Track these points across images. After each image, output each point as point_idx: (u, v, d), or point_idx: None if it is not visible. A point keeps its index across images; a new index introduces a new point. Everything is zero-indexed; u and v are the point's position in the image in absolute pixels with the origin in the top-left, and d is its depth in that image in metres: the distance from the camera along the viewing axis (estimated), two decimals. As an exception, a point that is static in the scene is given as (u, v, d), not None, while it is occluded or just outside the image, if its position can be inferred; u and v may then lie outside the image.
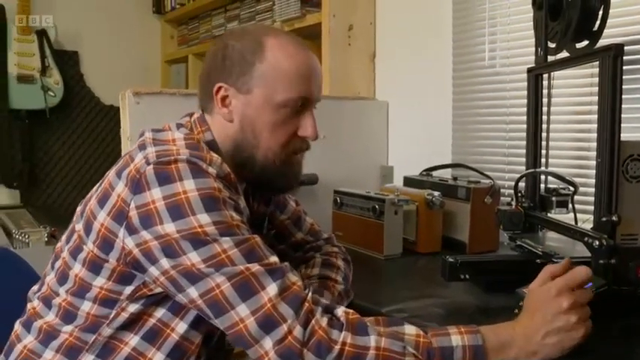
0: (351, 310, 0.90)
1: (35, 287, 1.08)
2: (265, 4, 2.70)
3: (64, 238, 1.04)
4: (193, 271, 0.86)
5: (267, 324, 0.84)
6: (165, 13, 3.69)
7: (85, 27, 3.43)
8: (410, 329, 0.88)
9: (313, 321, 0.85)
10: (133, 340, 0.96)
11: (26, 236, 2.27)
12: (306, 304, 0.86)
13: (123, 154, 1.60)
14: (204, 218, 0.87)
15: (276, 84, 1.02)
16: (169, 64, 3.77)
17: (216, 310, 0.86)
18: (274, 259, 0.90)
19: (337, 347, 0.83)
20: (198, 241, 0.87)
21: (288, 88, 1.02)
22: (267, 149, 1.04)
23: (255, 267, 0.87)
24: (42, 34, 3.14)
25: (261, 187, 1.15)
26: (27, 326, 1.02)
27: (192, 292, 0.87)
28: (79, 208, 1.02)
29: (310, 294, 0.88)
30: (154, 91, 1.64)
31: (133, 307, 0.95)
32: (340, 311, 0.89)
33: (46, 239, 2.30)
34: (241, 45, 1.04)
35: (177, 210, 0.87)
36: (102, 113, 3.48)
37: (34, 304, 1.04)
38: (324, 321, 0.85)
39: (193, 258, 0.86)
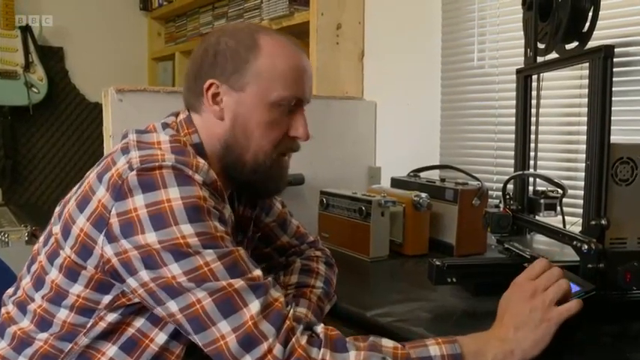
0: (331, 327, 0.88)
1: (10, 290, 1.04)
2: (253, 2, 2.68)
3: (41, 239, 1.01)
4: (173, 284, 0.84)
5: (248, 342, 0.82)
6: (152, 10, 3.66)
7: (71, 23, 3.39)
8: (387, 342, 0.87)
9: (293, 339, 0.83)
10: (111, 350, 0.93)
11: (6, 235, 2.22)
12: (287, 322, 0.84)
13: (105, 153, 1.59)
14: (187, 229, 0.84)
15: (271, 82, 1.00)
16: (156, 62, 3.73)
17: (195, 325, 0.84)
18: (257, 272, 0.88)
19: None
20: (179, 252, 0.84)
21: (284, 87, 1.01)
22: (258, 149, 1.02)
23: (238, 283, 0.84)
24: (26, 29, 3.10)
25: (248, 191, 1.13)
26: (0, 332, 0.99)
27: (172, 305, 0.84)
28: (57, 209, 0.99)
29: (292, 311, 0.87)
30: (137, 88, 1.61)
31: (111, 317, 0.92)
32: (320, 328, 0.87)
33: (27, 238, 2.26)
34: (235, 41, 1.02)
35: (159, 219, 0.84)
36: (87, 111, 3.44)
37: (9, 308, 1.00)
38: (303, 339, 0.84)
39: (174, 270, 0.84)
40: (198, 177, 0.89)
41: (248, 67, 1.00)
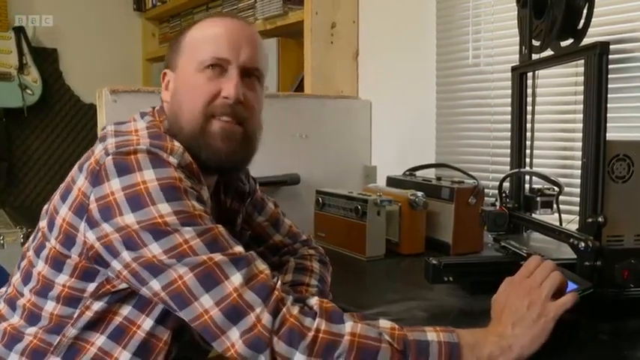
0: (326, 300, 0.88)
1: (3, 289, 1.06)
2: (247, 2, 2.67)
3: (31, 237, 1.03)
4: (154, 262, 0.84)
5: (234, 314, 0.81)
6: (146, 11, 3.65)
7: (65, 24, 3.37)
8: (384, 322, 0.86)
9: (284, 309, 0.82)
10: (99, 339, 0.93)
11: (1, 237, 2.22)
12: (275, 293, 0.83)
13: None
14: (164, 208, 0.85)
15: (191, 52, 1.04)
16: (151, 63, 3.72)
17: (179, 301, 0.84)
18: (239, 248, 0.88)
19: (310, 334, 0.81)
20: (158, 231, 0.85)
21: (202, 52, 1.03)
22: (190, 114, 1.01)
23: (218, 256, 0.84)
24: (19, 30, 3.08)
25: (204, 165, 1.03)
26: None
27: (155, 284, 0.85)
28: (45, 206, 1.01)
29: (280, 283, 0.86)
30: (131, 89, 1.60)
31: (97, 305, 0.92)
32: (314, 300, 0.86)
33: (22, 240, 2.26)
34: (176, 34, 1.09)
35: (136, 200, 0.85)
36: (81, 112, 3.43)
37: (0, 306, 1.01)
38: (295, 309, 0.83)
39: (154, 249, 0.84)
40: (172, 159, 0.90)
41: (179, 47, 1.06)
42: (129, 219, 0.85)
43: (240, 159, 1.06)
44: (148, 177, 0.87)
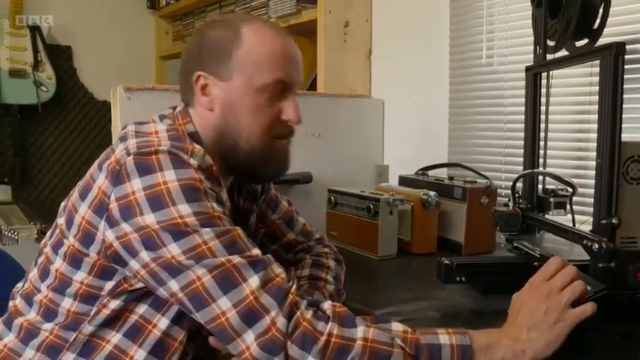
0: (338, 304, 0.88)
1: (19, 284, 1.07)
2: (260, 0, 2.67)
3: (48, 233, 1.03)
4: (173, 263, 0.85)
5: (250, 316, 0.82)
6: (160, 9, 3.66)
7: (79, 22, 3.40)
8: (397, 326, 0.86)
9: (298, 313, 0.83)
10: (115, 337, 0.94)
11: (15, 233, 2.24)
12: (290, 296, 0.84)
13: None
14: (184, 209, 0.86)
15: (253, 69, 1.01)
16: (164, 60, 3.74)
17: (196, 303, 0.84)
18: (256, 251, 0.89)
19: (323, 338, 0.81)
20: (178, 232, 0.85)
21: (266, 72, 1.02)
22: (250, 134, 1.03)
23: (236, 259, 0.85)
24: (35, 28, 3.10)
25: (247, 177, 1.13)
26: (8, 324, 1.00)
27: (173, 285, 0.85)
28: (62, 203, 1.01)
29: (294, 287, 0.86)
30: (145, 86, 1.61)
31: (114, 304, 0.93)
32: (327, 305, 0.86)
33: (36, 236, 2.28)
34: (217, 34, 1.04)
35: (157, 201, 0.86)
36: (95, 109, 3.45)
37: (16, 301, 1.02)
38: (308, 313, 0.83)
39: (173, 250, 0.85)
40: (193, 161, 0.91)
41: (232, 56, 1.02)
42: (149, 219, 0.85)
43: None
44: (169, 177, 0.87)
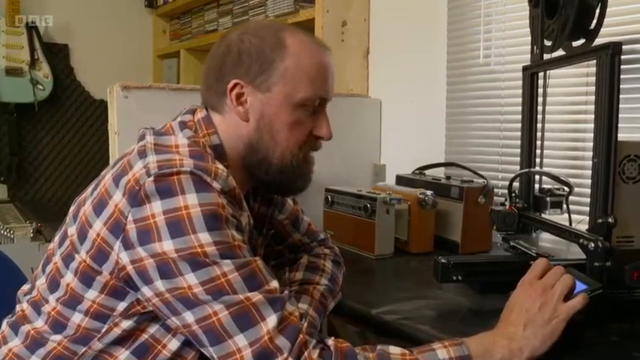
0: (341, 340, 0.88)
1: (25, 287, 1.04)
2: (258, -1, 2.67)
3: (56, 239, 0.99)
4: (189, 296, 0.83)
5: (263, 356, 0.82)
6: (157, 7, 3.65)
7: (76, 20, 3.38)
8: (395, 349, 0.87)
9: (306, 353, 0.83)
10: (123, 354, 0.92)
11: (11, 232, 2.23)
12: (301, 336, 0.84)
13: (110, 150, 1.59)
14: (204, 237, 0.83)
15: (297, 83, 0.99)
16: (161, 59, 3.73)
17: (211, 337, 0.83)
18: (275, 284, 0.87)
19: None
20: (196, 262, 0.83)
21: (309, 87, 1.00)
22: (285, 149, 1.02)
23: (256, 297, 0.84)
24: (31, 26, 3.09)
25: (271, 189, 1.12)
26: (14, 328, 0.99)
27: (188, 316, 0.84)
28: (72, 209, 0.98)
29: (306, 325, 0.86)
30: (142, 85, 1.61)
31: (126, 324, 0.91)
32: (331, 341, 0.87)
33: (32, 235, 2.26)
34: (260, 40, 1.00)
35: (177, 227, 0.83)
36: (92, 108, 3.44)
37: (24, 306, 1.00)
38: (315, 352, 0.84)
39: (191, 280, 0.83)
40: (216, 184, 0.87)
41: (274, 67, 0.99)
42: (167, 246, 0.83)
43: None
44: (191, 202, 0.84)
